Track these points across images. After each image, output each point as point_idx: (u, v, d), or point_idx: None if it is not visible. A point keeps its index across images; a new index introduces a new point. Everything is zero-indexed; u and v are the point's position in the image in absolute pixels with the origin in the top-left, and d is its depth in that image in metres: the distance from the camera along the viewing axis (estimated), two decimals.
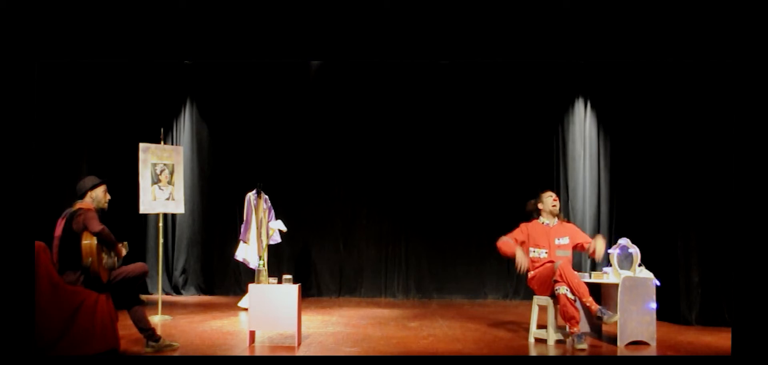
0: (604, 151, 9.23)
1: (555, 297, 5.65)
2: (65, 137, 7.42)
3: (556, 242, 5.92)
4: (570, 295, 5.51)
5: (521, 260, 5.78)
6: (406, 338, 6.03)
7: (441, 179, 9.89)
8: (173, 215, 9.76)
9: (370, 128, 9.95)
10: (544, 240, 5.94)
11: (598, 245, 5.69)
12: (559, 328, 5.80)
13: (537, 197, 6.12)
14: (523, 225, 6.06)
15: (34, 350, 4.35)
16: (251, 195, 8.29)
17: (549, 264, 5.82)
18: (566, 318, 5.51)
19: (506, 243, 5.91)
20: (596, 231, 9.25)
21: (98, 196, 5.26)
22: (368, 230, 9.94)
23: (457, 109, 9.86)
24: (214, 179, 10.07)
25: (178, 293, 9.76)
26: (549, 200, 6.01)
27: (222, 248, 9.78)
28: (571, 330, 5.49)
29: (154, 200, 7.37)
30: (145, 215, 9.33)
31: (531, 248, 5.96)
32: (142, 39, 6.27)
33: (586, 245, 5.89)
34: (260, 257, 7.99)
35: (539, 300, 5.89)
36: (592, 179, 9.35)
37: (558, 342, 5.68)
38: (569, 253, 5.92)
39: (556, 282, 5.58)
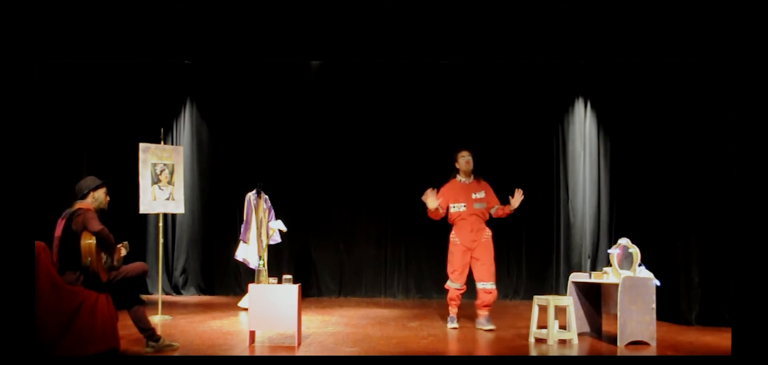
0: (604, 151, 9.23)
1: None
2: (65, 137, 7.42)
3: (473, 196, 6.65)
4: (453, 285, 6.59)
5: (428, 200, 6.61)
6: (406, 338, 6.03)
7: (441, 179, 9.83)
8: (173, 215, 9.76)
9: (370, 128, 9.95)
10: (462, 196, 6.65)
11: (516, 198, 6.53)
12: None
13: (453, 157, 6.86)
14: (442, 190, 6.74)
15: (34, 350, 4.35)
16: (251, 195, 8.29)
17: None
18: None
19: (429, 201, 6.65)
20: (596, 231, 9.27)
21: (99, 197, 5.27)
22: (368, 230, 9.94)
23: (457, 109, 9.85)
24: (214, 179, 10.06)
25: (178, 293, 9.77)
26: (462, 161, 6.74)
27: (222, 248, 9.77)
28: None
29: (154, 200, 7.37)
30: (145, 215, 9.33)
31: (451, 204, 6.69)
32: (142, 39, 6.27)
33: (503, 208, 6.66)
34: (260, 257, 7.98)
35: (539, 299, 5.89)
36: (592, 179, 9.35)
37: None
38: (485, 206, 6.67)
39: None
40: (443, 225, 10.03)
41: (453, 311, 6.66)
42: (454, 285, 6.62)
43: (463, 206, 6.62)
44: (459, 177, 6.80)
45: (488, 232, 6.67)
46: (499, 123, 9.76)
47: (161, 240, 7.78)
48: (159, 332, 5.51)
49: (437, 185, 9.88)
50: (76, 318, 4.83)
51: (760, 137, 4.33)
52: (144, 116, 9.09)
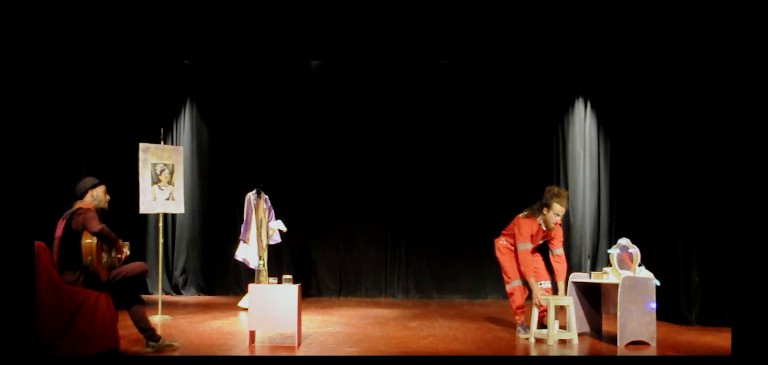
0: (604, 151, 9.24)
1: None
2: (65, 137, 7.42)
3: (539, 241, 6.25)
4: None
5: (538, 299, 5.96)
6: (406, 338, 6.03)
7: (441, 179, 9.88)
8: (173, 215, 9.76)
9: (370, 128, 9.95)
10: (534, 239, 6.16)
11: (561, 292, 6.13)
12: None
13: (554, 195, 5.93)
14: (524, 225, 6.07)
15: (34, 350, 4.35)
16: (251, 195, 8.29)
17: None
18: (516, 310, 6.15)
19: (528, 270, 6.05)
20: (596, 231, 9.27)
21: (98, 195, 5.26)
22: (368, 230, 9.94)
23: (457, 109, 9.85)
24: (214, 179, 10.06)
25: (178, 293, 9.77)
26: (554, 216, 5.98)
27: (222, 248, 9.78)
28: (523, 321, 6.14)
29: (154, 200, 7.37)
30: (145, 215, 9.33)
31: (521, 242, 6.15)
32: (142, 39, 6.26)
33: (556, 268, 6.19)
34: (260, 257, 7.98)
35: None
36: (592, 179, 9.36)
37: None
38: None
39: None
40: (442, 226, 10.11)
41: (520, 318, 6.14)
42: (517, 282, 6.14)
43: (529, 246, 6.11)
44: (540, 220, 6.07)
45: None
46: (499, 123, 9.77)
47: (161, 240, 7.78)
48: (159, 332, 5.51)
49: (437, 186, 9.97)
50: (76, 318, 4.83)
51: (760, 137, 4.33)
52: (144, 116, 9.09)
